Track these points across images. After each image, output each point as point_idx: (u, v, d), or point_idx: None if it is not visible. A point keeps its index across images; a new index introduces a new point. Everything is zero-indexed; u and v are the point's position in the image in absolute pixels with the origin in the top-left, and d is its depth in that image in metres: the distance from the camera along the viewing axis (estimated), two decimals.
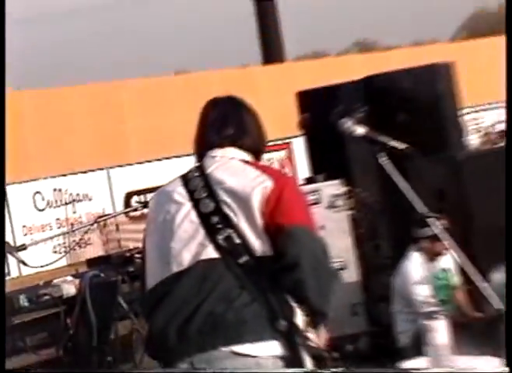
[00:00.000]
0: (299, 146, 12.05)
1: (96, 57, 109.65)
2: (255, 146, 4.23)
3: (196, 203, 4.02)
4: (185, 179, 4.14)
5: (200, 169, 4.13)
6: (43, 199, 20.60)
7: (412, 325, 7.72)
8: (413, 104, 9.48)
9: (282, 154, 20.23)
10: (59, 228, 19.61)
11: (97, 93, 23.64)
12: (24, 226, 19.05)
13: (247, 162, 4.13)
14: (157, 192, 4.35)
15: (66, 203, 21.02)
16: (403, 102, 9.45)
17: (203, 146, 4.22)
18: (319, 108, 9.73)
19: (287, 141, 18.66)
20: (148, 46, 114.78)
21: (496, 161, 10.44)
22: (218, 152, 4.15)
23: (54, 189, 20.72)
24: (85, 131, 22.19)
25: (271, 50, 30.88)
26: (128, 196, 21.36)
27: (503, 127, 28.06)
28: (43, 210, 20.38)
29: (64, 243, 18.17)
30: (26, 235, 18.41)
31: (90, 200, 21.33)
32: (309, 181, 9.51)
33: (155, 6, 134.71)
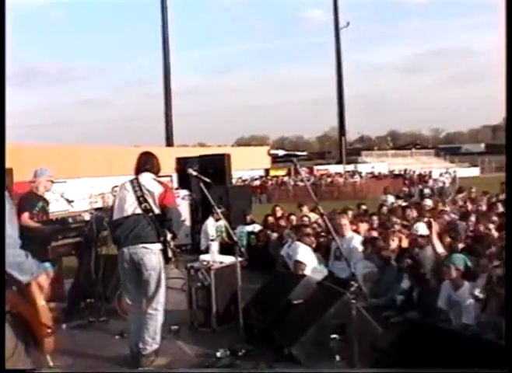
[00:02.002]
0: (175, 177, 11.82)
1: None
2: (157, 173, 3.89)
3: (134, 192, 3.69)
4: (131, 182, 3.76)
5: (136, 179, 3.76)
6: (84, 185, 20.07)
7: (208, 242, 7.58)
8: (217, 167, 9.12)
9: (168, 178, 19.75)
10: (87, 194, 19.94)
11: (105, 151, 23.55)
12: (74, 193, 18.02)
13: (154, 179, 3.80)
14: (120, 185, 3.91)
15: (92, 188, 20.40)
16: (212, 165, 9.23)
17: (138, 171, 3.84)
18: (183, 164, 9.48)
19: (170, 173, 18.33)
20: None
21: (240, 190, 10.66)
22: (143, 174, 3.80)
23: (88, 181, 20.57)
24: (102, 163, 22.10)
25: (169, 140, 30.61)
26: (113, 187, 22.11)
27: (245, 177, 27.46)
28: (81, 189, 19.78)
29: (89, 201, 18.80)
30: (74, 196, 18.25)
31: (97, 187, 21.75)
32: (176, 189, 9.25)
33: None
